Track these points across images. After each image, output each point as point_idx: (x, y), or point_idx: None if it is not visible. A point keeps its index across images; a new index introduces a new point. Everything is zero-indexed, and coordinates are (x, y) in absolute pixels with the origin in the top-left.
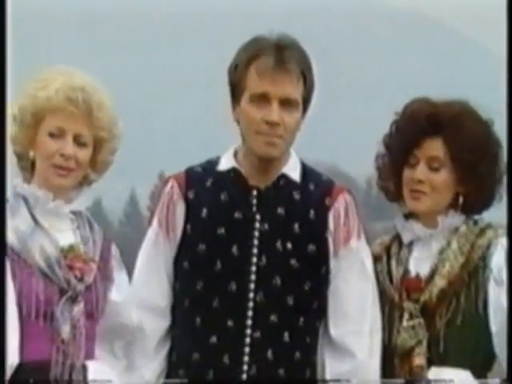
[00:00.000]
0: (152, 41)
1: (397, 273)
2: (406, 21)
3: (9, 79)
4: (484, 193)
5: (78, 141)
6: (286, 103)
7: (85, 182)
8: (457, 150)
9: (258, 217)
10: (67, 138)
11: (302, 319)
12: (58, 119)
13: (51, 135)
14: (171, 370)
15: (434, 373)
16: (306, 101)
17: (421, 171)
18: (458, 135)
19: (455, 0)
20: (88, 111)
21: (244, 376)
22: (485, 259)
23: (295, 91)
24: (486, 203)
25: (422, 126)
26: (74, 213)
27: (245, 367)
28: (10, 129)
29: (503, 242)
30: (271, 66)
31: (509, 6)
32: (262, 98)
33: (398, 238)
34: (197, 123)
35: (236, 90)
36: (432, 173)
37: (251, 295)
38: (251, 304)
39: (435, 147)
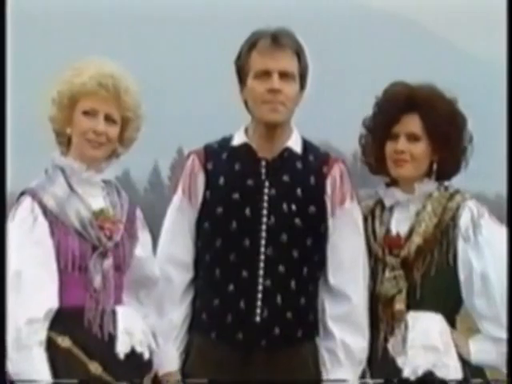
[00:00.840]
0: (157, 31)
1: (380, 232)
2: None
3: (9, 79)
4: (453, 161)
5: (108, 119)
6: (284, 75)
7: (113, 154)
8: (431, 124)
9: (266, 183)
10: (99, 117)
11: (305, 270)
12: (91, 101)
13: (85, 114)
14: (195, 315)
15: (411, 316)
16: (302, 78)
17: (402, 143)
18: (432, 112)
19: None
20: (116, 95)
21: (257, 319)
22: (454, 219)
23: (291, 65)
24: (454, 170)
25: (401, 104)
26: (104, 181)
27: (258, 311)
28: (50, 110)
29: (470, 204)
30: (269, 45)
31: (509, 6)
32: (264, 73)
33: (380, 202)
34: (210, 105)
35: (242, 73)
36: (411, 144)
37: (262, 250)
38: (262, 257)
39: (413, 122)
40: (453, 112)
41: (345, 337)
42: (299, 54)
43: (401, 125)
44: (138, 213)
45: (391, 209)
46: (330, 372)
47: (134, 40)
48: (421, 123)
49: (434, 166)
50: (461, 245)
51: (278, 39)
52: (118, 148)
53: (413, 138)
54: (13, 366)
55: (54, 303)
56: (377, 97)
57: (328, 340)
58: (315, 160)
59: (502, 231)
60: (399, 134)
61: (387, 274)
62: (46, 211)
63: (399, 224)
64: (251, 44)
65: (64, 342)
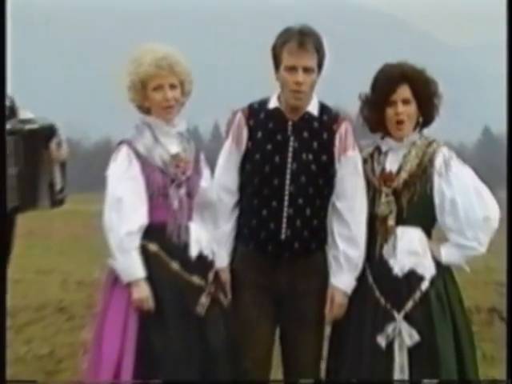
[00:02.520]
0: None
1: (377, 170)
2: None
3: (9, 79)
4: (431, 114)
5: (171, 87)
6: (306, 70)
7: (181, 106)
8: (418, 90)
9: (291, 138)
10: (165, 89)
11: (318, 201)
12: (156, 80)
13: (155, 90)
14: (239, 230)
15: (399, 229)
16: (320, 66)
17: (400, 107)
18: (417, 82)
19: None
20: (171, 69)
21: (283, 236)
22: (431, 161)
23: (312, 62)
24: (431, 121)
25: (396, 78)
26: (178, 133)
27: (283, 231)
28: (128, 95)
29: (442, 150)
30: (296, 48)
31: (509, 6)
32: (292, 68)
33: (377, 148)
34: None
35: (276, 61)
36: (406, 107)
37: (287, 187)
38: (287, 192)
39: (406, 91)
40: (429, 80)
41: (345, 248)
42: (318, 49)
43: (396, 93)
44: (202, 156)
45: (386, 153)
46: (335, 273)
47: (141, 36)
48: (410, 91)
49: (420, 120)
50: (436, 179)
51: (303, 42)
52: (182, 99)
53: (406, 102)
54: (118, 265)
55: (144, 220)
56: (374, 76)
57: (334, 250)
58: (328, 119)
59: (465, 169)
60: (396, 100)
61: (382, 199)
62: (138, 155)
63: (391, 164)
64: (283, 41)
65: (153, 247)
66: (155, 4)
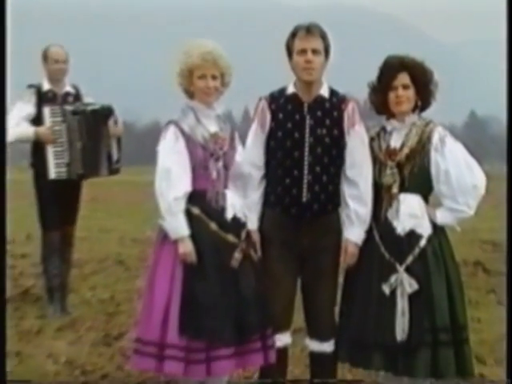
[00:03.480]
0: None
1: (383, 146)
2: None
3: (9, 78)
4: (428, 99)
5: (213, 77)
6: (314, 52)
7: (220, 95)
8: (416, 78)
9: (307, 117)
10: (208, 78)
11: (332, 169)
12: (201, 70)
13: (199, 78)
14: (267, 197)
15: (402, 196)
16: (327, 52)
17: (400, 91)
18: (415, 70)
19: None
20: (215, 63)
21: (304, 199)
22: (429, 138)
23: (319, 45)
24: (428, 105)
25: (397, 66)
26: (216, 115)
27: (304, 195)
28: (178, 80)
29: (438, 129)
30: (304, 34)
31: (509, 6)
32: (302, 51)
33: (383, 128)
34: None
35: (290, 50)
36: (405, 91)
37: (306, 158)
38: (306, 162)
39: (405, 78)
40: (426, 70)
41: (356, 206)
42: (324, 37)
43: (397, 79)
44: (236, 135)
45: (390, 132)
46: (347, 228)
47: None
48: (409, 78)
49: (419, 103)
50: (433, 153)
51: (310, 30)
52: (221, 89)
53: (406, 87)
54: (167, 225)
55: (188, 188)
56: (379, 67)
57: (346, 209)
58: (337, 101)
59: (457, 145)
60: (397, 85)
61: (387, 171)
62: (183, 133)
63: (395, 141)
64: (294, 33)
65: (195, 210)
66: (199, 4)
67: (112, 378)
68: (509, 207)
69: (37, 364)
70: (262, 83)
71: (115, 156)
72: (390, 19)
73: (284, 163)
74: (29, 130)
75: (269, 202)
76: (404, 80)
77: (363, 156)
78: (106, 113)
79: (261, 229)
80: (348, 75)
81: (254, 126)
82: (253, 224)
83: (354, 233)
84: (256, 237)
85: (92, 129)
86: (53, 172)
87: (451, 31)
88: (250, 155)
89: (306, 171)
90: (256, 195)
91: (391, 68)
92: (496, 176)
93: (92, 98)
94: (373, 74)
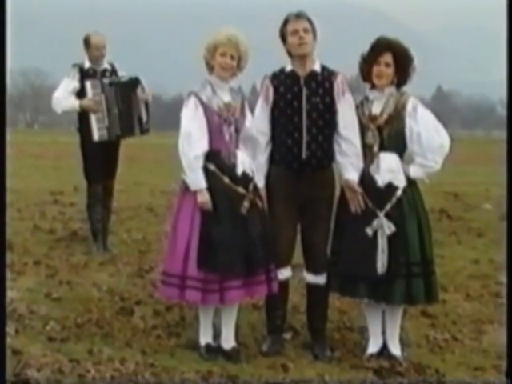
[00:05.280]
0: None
1: (366, 112)
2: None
3: (8, 78)
4: (405, 80)
5: (232, 57)
6: (305, 31)
7: (234, 75)
8: (398, 59)
9: (304, 88)
10: (227, 56)
11: (326, 130)
12: (223, 48)
13: (221, 55)
14: (273, 157)
15: (382, 154)
16: (314, 33)
17: (382, 67)
18: (398, 51)
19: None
20: (236, 45)
21: (304, 156)
22: (404, 106)
23: (307, 26)
24: (404, 82)
25: (384, 46)
26: (230, 88)
27: (303, 151)
28: (204, 53)
29: (411, 99)
30: (295, 18)
31: (509, 6)
32: (295, 32)
33: (366, 97)
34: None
35: (283, 35)
36: (386, 69)
37: (304, 122)
38: (304, 125)
39: (388, 57)
40: (408, 55)
41: (352, 157)
42: (310, 21)
43: (382, 57)
44: (246, 104)
45: (372, 101)
46: (344, 172)
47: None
48: (392, 58)
49: (395, 80)
50: (407, 119)
51: (299, 14)
52: (236, 70)
53: (388, 65)
54: (188, 179)
55: (206, 148)
56: (370, 44)
57: (344, 159)
58: (328, 74)
59: (426, 111)
60: (381, 62)
61: (369, 133)
62: (202, 103)
63: (376, 108)
64: (285, 20)
65: (211, 167)
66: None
67: (144, 303)
68: (509, 206)
69: (84, 291)
70: (267, 65)
71: (144, 118)
72: (374, 14)
73: (286, 127)
74: (75, 103)
75: (274, 160)
76: (387, 59)
77: (353, 119)
78: (134, 82)
79: (267, 183)
80: (334, 60)
81: (260, 100)
82: (260, 182)
83: (350, 174)
84: (263, 193)
85: (125, 97)
86: (96, 135)
87: (425, 18)
88: (257, 124)
89: (304, 133)
90: (263, 158)
91: (379, 46)
92: (457, 139)
93: (125, 73)
94: (354, 59)
